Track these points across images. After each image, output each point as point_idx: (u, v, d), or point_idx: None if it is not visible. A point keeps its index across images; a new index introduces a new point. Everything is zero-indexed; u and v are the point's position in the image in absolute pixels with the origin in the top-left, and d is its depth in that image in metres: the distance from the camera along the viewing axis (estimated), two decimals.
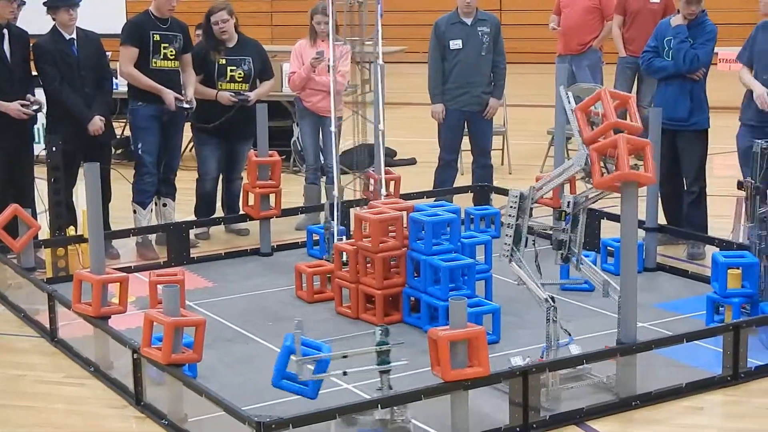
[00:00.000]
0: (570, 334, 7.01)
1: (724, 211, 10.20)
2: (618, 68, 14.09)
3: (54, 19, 9.74)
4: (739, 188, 8.21)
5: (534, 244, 7.14)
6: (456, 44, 10.90)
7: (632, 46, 13.75)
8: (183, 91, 10.19)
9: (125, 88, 10.42)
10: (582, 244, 7.06)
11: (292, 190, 11.33)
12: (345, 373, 6.35)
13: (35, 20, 10.42)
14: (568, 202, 6.97)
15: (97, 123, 9.71)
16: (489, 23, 10.97)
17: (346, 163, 10.32)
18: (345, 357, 6.35)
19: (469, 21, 10.90)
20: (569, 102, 7.02)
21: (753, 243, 8.09)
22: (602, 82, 14.14)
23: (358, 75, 9.85)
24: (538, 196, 6.99)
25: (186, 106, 10.06)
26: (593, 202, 7.10)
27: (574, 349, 6.96)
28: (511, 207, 6.96)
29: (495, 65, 11.04)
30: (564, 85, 7.15)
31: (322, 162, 11.25)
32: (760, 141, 8.20)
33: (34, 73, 9.94)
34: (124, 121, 14.09)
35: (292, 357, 6.21)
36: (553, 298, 6.93)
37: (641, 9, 13.77)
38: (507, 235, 6.97)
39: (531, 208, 7.00)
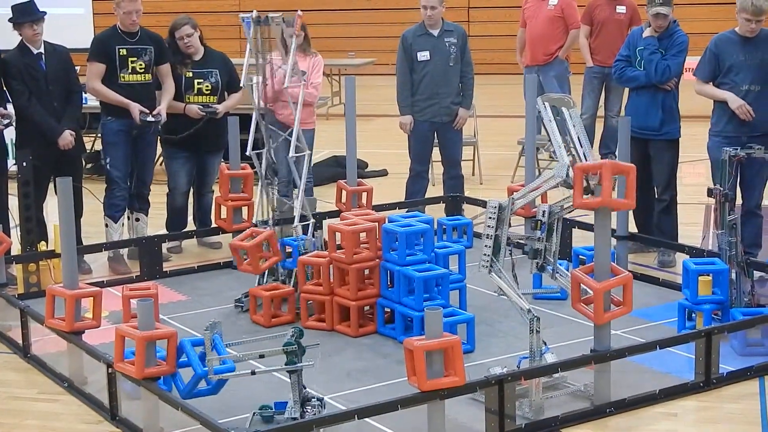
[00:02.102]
0: (546, 344, 7.03)
1: (693, 219, 10.26)
2: (585, 78, 14.17)
3: (20, 35, 9.71)
4: (708, 196, 8.26)
5: (511, 254, 7.18)
6: (423, 56, 10.93)
7: (599, 55, 13.90)
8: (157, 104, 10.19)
9: (95, 102, 10.40)
10: (557, 254, 7.09)
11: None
12: (253, 372, 6.41)
13: (2, 35, 10.37)
14: (543, 212, 6.99)
15: (67, 137, 9.69)
16: (456, 34, 11.01)
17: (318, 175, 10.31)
18: (262, 357, 6.39)
19: (435, 32, 10.94)
20: (546, 111, 7.02)
21: (723, 250, 8.15)
22: (570, 92, 14.20)
23: (329, 87, 9.85)
24: (517, 207, 7.00)
25: (150, 119, 10.02)
26: (569, 212, 7.12)
27: (551, 358, 6.99)
28: (489, 218, 6.96)
29: (463, 75, 11.07)
30: (541, 96, 7.13)
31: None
32: (728, 149, 8.27)
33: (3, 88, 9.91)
34: (94, 135, 14.14)
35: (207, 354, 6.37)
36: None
37: (608, 19, 13.86)
38: (486, 246, 6.97)
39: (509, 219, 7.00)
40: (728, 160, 8.16)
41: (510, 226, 7.00)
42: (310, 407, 6.42)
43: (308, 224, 9.03)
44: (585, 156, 6.79)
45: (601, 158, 14.16)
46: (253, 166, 10.13)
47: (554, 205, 7.02)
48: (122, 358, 6.61)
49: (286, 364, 6.37)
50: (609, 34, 13.83)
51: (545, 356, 6.99)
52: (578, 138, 6.85)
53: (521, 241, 7.19)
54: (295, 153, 9.04)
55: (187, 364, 6.50)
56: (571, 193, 6.69)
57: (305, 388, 6.45)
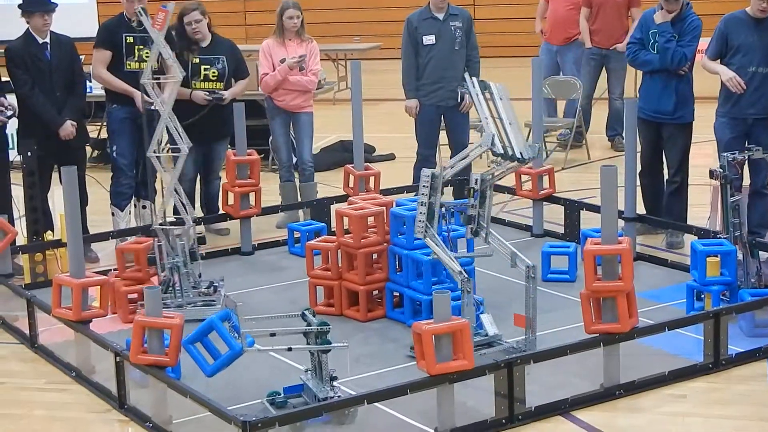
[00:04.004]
0: (481, 304, 7.35)
1: (701, 200, 10.23)
2: (584, 59, 14.32)
3: (28, 23, 9.69)
4: (711, 177, 8.25)
5: (446, 221, 7.69)
6: (429, 40, 10.89)
7: (597, 37, 14.11)
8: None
9: (99, 91, 10.38)
10: (490, 219, 7.51)
11: (272, 188, 11.31)
12: (290, 349, 6.43)
13: (5, 25, 10.36)
14: (476, 180, 7.38)
15: (68, 128, 9.67)
16: (461, 18, 10.97)
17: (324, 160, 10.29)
18: (273, 335, 6.38)
19: (441, 16, 10.89)
20: (474, 87, 7.49)
21: (730, 231, 8.15)
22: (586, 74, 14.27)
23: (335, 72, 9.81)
24: (447, 175, 7.37)
25: (154, 107, 10.00)
26: (499, 179, 7.63)
27: (486, 319, 7.25)
28: (423, 186, 7.25)
29: (469, 59, 11.04)
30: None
31: (295, 159, 11.24)
32: (726, 154, 8.23)
33: (6, 78, 9.90)
34: (99, 124, 14.14)
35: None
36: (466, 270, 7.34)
37: (606, 1, 14.00)
38: (421, 213, 7.24)
39: (442, 187, 7.34)
40: (727, 165, 8.14)
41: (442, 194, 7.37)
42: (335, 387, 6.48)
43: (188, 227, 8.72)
44: (506, 128, 7.27)
45: (609, 140, 14.33)
46: (259, 152, 10.13)
47: (485, 173, 7.41)
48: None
49: (319, 344, 6.41)
50: (607, 17, 14.04)
51: (481, 317, 7.27)
52: (503, 112, 7.33)
53: (454, 209, 7.74)
54: (160, 149, 8.66)
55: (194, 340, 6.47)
56: (501, 163, 7.35)
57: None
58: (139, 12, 8.48)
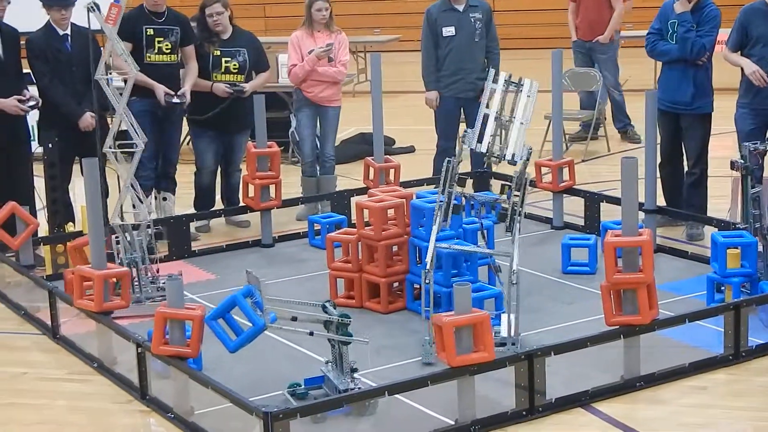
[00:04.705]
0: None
1: (721, 192, 10.21)
2: (573, 52, 14.46)
3: (48, 14, 9.72)
4: (732, 168, 8.23)
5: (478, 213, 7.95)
6: (449, 31, 10.89)
7: (580, 31, 14.34)
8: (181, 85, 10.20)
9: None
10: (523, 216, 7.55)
11: (292, 180, 11.33)
12: (311, 333, 6.41)
13: (25, 17, 10.38)
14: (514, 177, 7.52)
15: (87, 119, 9.69)
16: (480, 9, 10.96)
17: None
18: (294, 319, 6.37)
19: (460, 8, 10.89)
20: (493, 82, 7.60)
21: (749, 223, 8.13)
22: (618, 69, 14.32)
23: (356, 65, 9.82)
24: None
25: (176, 101, 10.03)
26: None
27: (505, 319, 7.22)
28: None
29: (489, 51, 11.04)
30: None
31: (318, 152, 11.25)
32: (748, 144, 8.20)
33: (27, 69, 9.93)
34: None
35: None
36: None
37: None
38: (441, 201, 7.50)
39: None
40: (749, 155, 8.11)
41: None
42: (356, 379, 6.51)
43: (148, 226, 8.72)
44: (512, 127, 7.44)
45: (618, 132, 14.31)
46: (279, 144, 10.14)
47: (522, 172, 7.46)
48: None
49: (340, 335, 6.44)
50: (588, 10, 14.26)
51: (502, 317, 7.29)
52: (520, 110, 7.49)
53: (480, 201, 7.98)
54: (116, 144, 8.53)
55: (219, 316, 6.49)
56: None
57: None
58: (91, 7, 8.43)
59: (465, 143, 7.41)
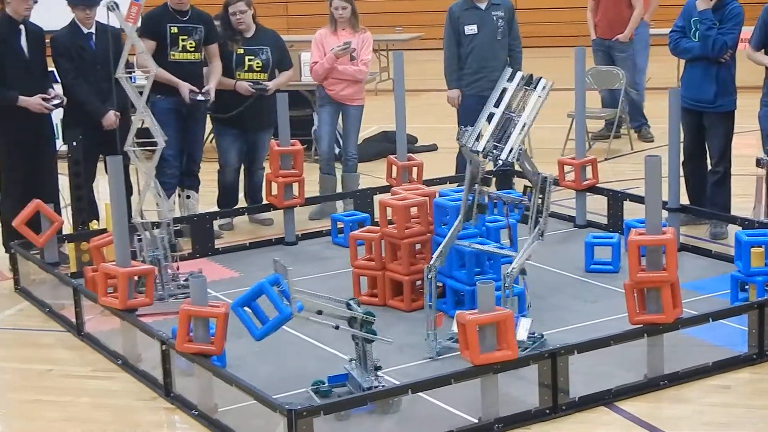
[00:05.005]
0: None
1: (745, 190, 10.18)
2: (592, 51, 14.40)
3: (73, 13, 9.76)
4: (757, 166, 8.21)
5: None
6: (471, 29, 10.89)
7: (599, 29, 14.29)
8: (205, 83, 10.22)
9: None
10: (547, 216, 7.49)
11: (315, 178, 11.34)
12: (337, 327, 6.44)
13: (50, 16, 10.41)
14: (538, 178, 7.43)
15: (111, 118, 9.72)
16: (503, 7, 10.95)
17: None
18: (320, 312, 6.38)
19: (483, 6, 10.88)
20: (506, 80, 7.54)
21: None
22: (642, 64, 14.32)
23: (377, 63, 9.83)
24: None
25: (200, 98, 10.05)
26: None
27: (523, 323, 7.16)
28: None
29: (511, 49, 11.04)
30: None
31: (338, 150, 11.26)
32: None
33: (51, 68, 9.97)
34: None
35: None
36: None
37: None
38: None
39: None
40: None
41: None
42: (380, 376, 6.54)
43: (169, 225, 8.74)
44: (513, 128, 7.37)
45: (635, 131, 14.29)
46: (302, 143, 10.16)
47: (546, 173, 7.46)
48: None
49: (364, 332, 6.46)
50: (608, 8, 14.20)
51: (520, 320, 7.18)
52: (527, 111, 7.47)
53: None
54: (137, 143, 8.55)
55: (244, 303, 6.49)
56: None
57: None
58: (111, 6, 8.44)
59: (460, 140, 7.36)
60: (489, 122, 7.46)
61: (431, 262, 7.37)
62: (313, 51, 11.02)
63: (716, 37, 9.54)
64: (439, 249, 7.41)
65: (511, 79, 7.55)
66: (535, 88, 7.51)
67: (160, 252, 8.55)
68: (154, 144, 8.55)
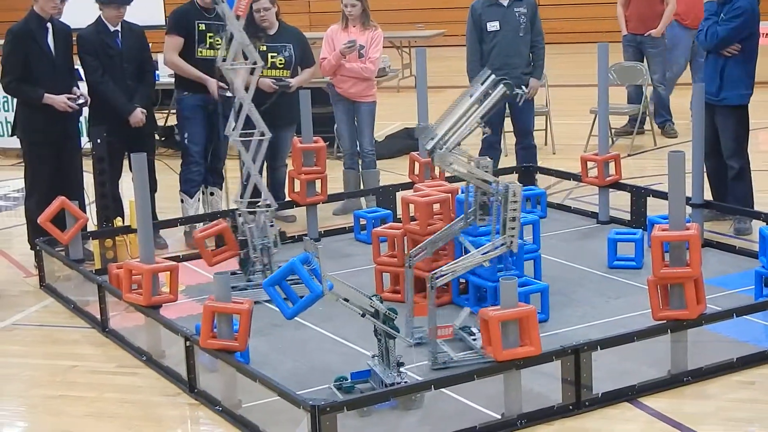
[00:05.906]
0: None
1: None
2: (622, 46, 14.37)
3: (101, 12, 9.79)
4: None
5: None
6: (493, 26, 10.88)
7: (631, 24, 14.22)
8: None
9: (167, 79, 10.46)
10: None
11: (338, 175, 11.35)
12: (363, 315, 6.46)
13: (77, 14, 10.45)
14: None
15: (138, 115, 9.76)
16: (525, 4, 10.94)
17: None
18: (346, 300, 6.41)
19: (505, 2, 10.87)
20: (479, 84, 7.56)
21: None
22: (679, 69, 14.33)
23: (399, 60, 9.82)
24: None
25: (229, 94, 10.08)
26: None
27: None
28: None
29: (534, 45, 11.02)
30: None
31: (358, 147, 11.28)
32: None
33: (77, 65, 10.02)
34: (166, 111, 14.27)
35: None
36: None
37: None
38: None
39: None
40: None
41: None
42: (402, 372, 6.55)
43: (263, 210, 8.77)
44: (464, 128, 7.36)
45: (659, 127, 14.24)
46: (325, 140, 10.17)
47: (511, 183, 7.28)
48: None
49: (389, 328, 6.48)
50: (640, 3, 14.14)
51: None
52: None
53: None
54: (242, 134, 8.64)
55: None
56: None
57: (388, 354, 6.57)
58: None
59: (418, 136, 7.34)
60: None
61: (412, 251, 7.38)
62: (324, 47, 11.04)
63: (710, 26, 9.51)
64: (429, 240, 7.41)
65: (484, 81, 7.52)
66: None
67: (270, 240, 8.63)
68: (255, 134, 8.62)
